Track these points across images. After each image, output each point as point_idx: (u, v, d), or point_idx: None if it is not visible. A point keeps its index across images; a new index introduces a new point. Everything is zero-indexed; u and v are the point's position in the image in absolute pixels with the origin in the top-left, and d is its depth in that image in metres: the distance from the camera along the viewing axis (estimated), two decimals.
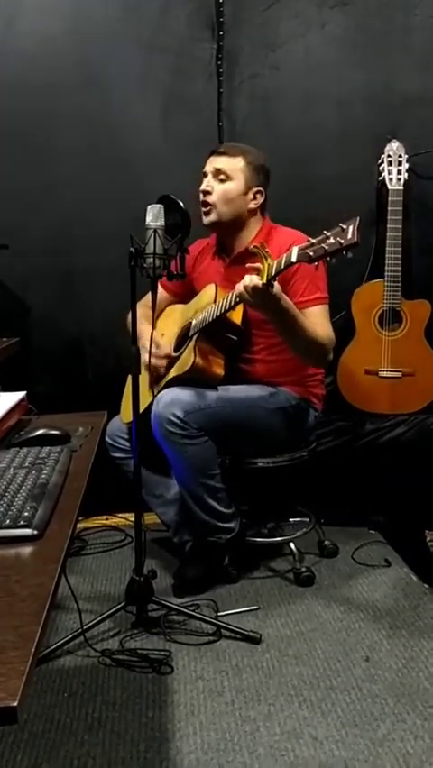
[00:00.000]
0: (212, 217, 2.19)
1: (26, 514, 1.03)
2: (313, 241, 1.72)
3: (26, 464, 1.28)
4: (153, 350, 2.12)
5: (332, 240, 1.68)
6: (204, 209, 2.19)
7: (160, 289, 2.12)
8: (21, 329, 2.62)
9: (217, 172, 2.19)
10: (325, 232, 1.70)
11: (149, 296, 1.91)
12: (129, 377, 2.39)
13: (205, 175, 2.22)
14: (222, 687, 1.76)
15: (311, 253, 1.71)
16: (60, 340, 2.71)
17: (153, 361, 2.12)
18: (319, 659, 1.86)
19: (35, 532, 0.99)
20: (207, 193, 2.19)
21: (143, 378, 2.14)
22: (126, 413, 2.29)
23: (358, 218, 1.68)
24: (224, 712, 1.66)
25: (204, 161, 2.26)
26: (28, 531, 0.99)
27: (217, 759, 1.51)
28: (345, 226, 1.67)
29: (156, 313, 2.17)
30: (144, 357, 2.07)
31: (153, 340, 2.06)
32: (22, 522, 1.00)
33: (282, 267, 1.79)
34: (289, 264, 1.78)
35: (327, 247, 1.69)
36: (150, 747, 1.56)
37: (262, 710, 1.66)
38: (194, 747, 1.55)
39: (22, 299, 2.67)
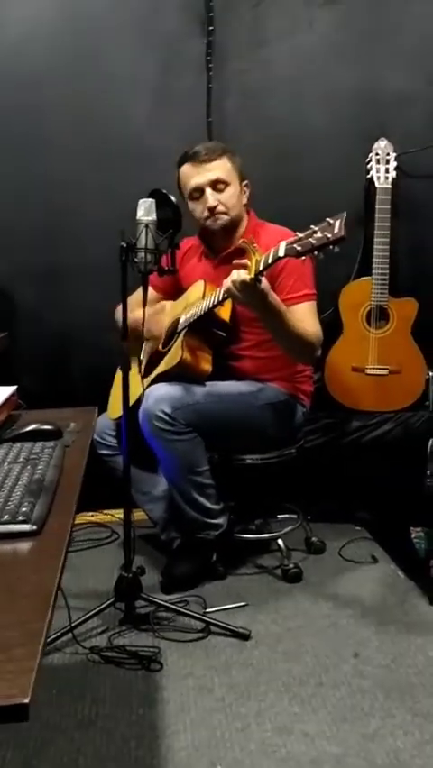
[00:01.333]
0: (223, 222, 2.18)
1: (24, 509, 1.01)
2: (300, 235, 1.72)
3: (20, 459, 1.27)
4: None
5: (319, 234, 1.68)
6: (214, 217, 2.17)
7: (138, 293, 2.10)
8: (6, 323, 2.60)
9: (215, 183, 2.15)
10: (312, 226, 1.70)
11: (138, 292, 1.90)
12: (117, 373, 2.40)
13: (198, 190, 2.17)
14: (212, 684, 1.76)
15: (298, 248, 1.71)
16: (47, 335, 2.69)
17: None
18: (309, 655, 1.86)
19: (34, 527, 0.98)
20: (214, 208, 2.16)
21: (133, 372, 2.12)
22: (114, 409, 2.28)
23: (345, 213, 1.67)
24: (214, 709, 1.66)
25: (181, 168, 2.21)
26: (27, 527, 0.97)
27: (209, 756, 1.51)
28: (331, 221, 1.66)
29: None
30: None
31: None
32: (20, 517, 0.99)
33: (270, 261, 1.79)
34: (276, 258, 1.77)
35: (314, 241, 1.68)
36: (140, 745, 1.56)
37: (253, 707, 1.66)
38: (185, 744, 1.55)
39: (8, 294, 2.64)
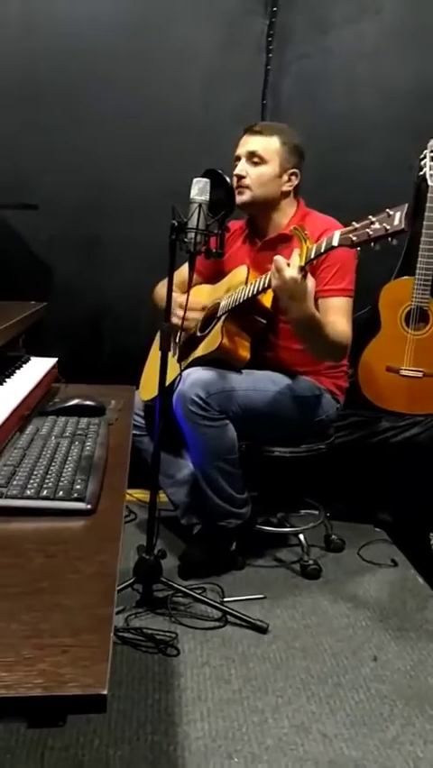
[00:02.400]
0: (245, 197, 2.13)
1: (78, 487, 0.98)
2: (357, 225, 1.67)
3: (67, 434, 1.24)
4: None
5: (377, 225, 1.63)
6: (238, 190, 2.13)
7: (183, 271, 2.07)
8: (43, 293, 2.56)
9: (251, 155, 2.12)
10: (369, 216, 1.65)
11: (180, 271, 1.86)
12: (150, 353, 2.38)
13: (238, 158, 2.15)
14: (229, 674, 1.74)
15: (354, 238, 1.66)
16: (79, 307, 2.65)
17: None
18: (327, 654, 1.84)
19: (89, 506, 0.95)
20: (241, 177, 2.13)
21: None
22: (146, 390, 2.25)
23: (406, 205, 1.63)
24: (231, 700, 1.64)
25: (238, 137, 2.19)
26: (81, 504, 0.95)
27: (226, 747, 1.49)
28: (391, 212, 1.61)
29: (182, 290, 2.14)
30: (176, 322, 2.01)
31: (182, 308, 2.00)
32: (75, 495, 0.96)
33: (322, 250, 1.74)
34: (329, 248, 1.72)
35: (371, 232, 1.63)
36: (157, 729, 1.54)
37: (270, 702, 1.64)
38: (202, 733, 1.53)
39: (44, 262, 2.61)
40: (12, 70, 2.47)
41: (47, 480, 1.00)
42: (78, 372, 1.85)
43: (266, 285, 1.94)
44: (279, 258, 1.79)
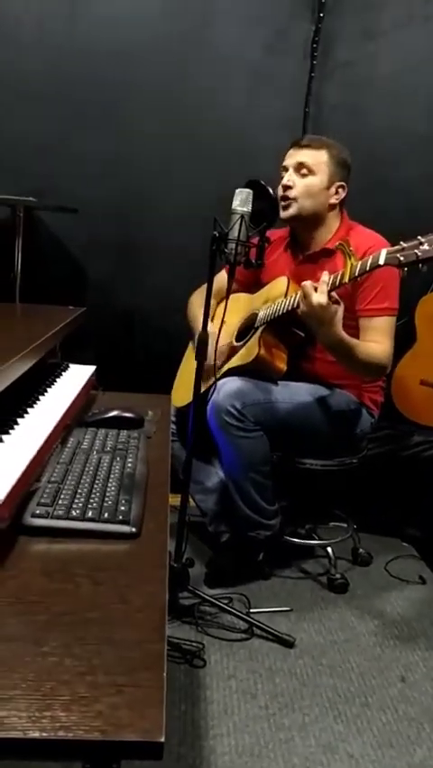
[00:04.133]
0: (291, 211, 2.11)
1: (122, 508, 0.98)
2: (405, 245, 1.65)
3: (108, 448, 1.24)
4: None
5: (426, 246, 1.61)
6: (283, 203, 2.11)
7: (223, 275, 2.06)
8: (75, 295, 2.58)
9: (300, 166, 2.10)
10: (419, 237, 1.63)
11: (217, 278, 1.86)
12: (184, 360, 2.37)
13: (285, 169, 2.13)
14: (255, 689, 1.73)
15: (401, 258, 1.64)
16: (113, 313, 2.66)
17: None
18: (354, 673, 1.83)
19: (134, 530, 0.95)
20: (288, 188, 2.10)
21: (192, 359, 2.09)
22: (179, 396, 2.24)
23: None
24: (258, 716, 1.64)
25: (284, 150, 2.17)
26: (126, 528, 0.95)
27: (252, 764, 1.49)
28: None
29: (217, 299, 2.13)
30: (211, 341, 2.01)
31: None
32: (120, 517, 0.96)
33: (368, 268, 1.73)
34: (375, 266, 1.71)
35: (419, 253, 1.61)
36: (183, 742, 1.54)
37: (297, 719, 1.64)
38: (228, 749, 1.53)
39: (80, 265, 2.62)
40: (55, 77, 2.49)
41: (91, 501, 1.00)
42: (111, 377, 1.86)
43: None
44: (307, 283, 1.79)
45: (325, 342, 1.91)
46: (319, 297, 1.78)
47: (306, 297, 1.80)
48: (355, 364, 1.98)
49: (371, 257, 1.71)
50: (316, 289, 1.79)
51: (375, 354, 1.98)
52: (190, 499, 2.31)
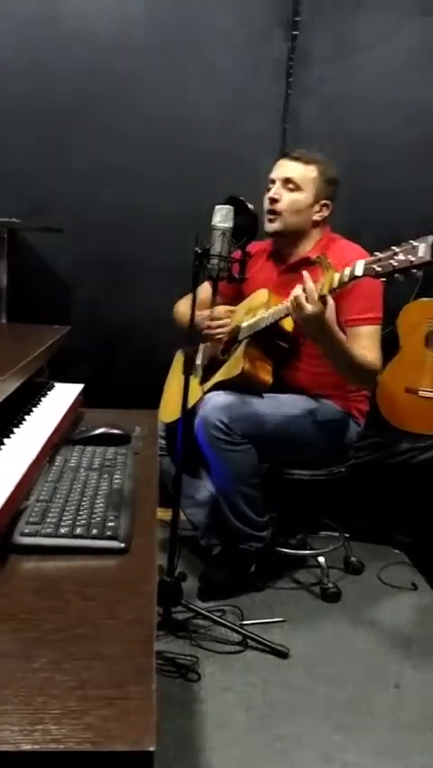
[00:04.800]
0: (276, 226, 2.15)
1: (111, 524, 0.99)
2: (380, 255, 1.68)
3: (95, 465, 1.25)
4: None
5: (401, 256, 1.64)
6: (269, 216, 2.15)
7: (206, 287, 2.08)
8: (61, 314, 2.59)
9: (287, 181, 2.13)
10: (393, 247, 1.65)
11: (201, 288, 1.89)
12: (171, 374, 2.39)
13: (272, 181, 2.17)
14: (251, 701, 1.74)
15: (378, 268, 1.67)
16: (99, 330, 2.67)
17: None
18: (348, 681, 1.84)
19: (123, 545, 0.96)
20: (274, 201, 2.14)
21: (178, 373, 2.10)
22: (167, 412, 2.25)
23: (431, 237, 1.63)
24: (254, 728, 1.65)
25: (269, 164, 2.21)
26: (115, 543, 0.96)
27: None
28: (415, 243, 1.62)
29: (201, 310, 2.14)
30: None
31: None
32: (108, 533, 0.97)
33: (346, 280, 1.76)
34: (353, 277, 1.74)
35: (395, 263, 1.64)
36: (180, 756, 1.54)
37: (293, 730, 1.64)
38: (225, 762, 1.53)
39: (69, 285, 2.64)
40: (35, 92, 2.51)
41: (79, 518, 1.01)
42: (98, 394, 1.87)
43: (288, 311, 1.95)
44: (298, 294, 1.81)
45: (325, 345, 1.92)
46: (312, 308, 1.80)
47: (299, 307, 1.82)
48: (351, 368, 1.99)
49: (348, 268, 1.73)
50: (307, 299, 1.81)
51: (368, 358, 2.01)
52: (181, 514, 2.33)
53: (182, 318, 2.28)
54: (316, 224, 2.18)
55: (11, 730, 0.59)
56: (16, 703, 0.63)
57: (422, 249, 1.60)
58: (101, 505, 1.06)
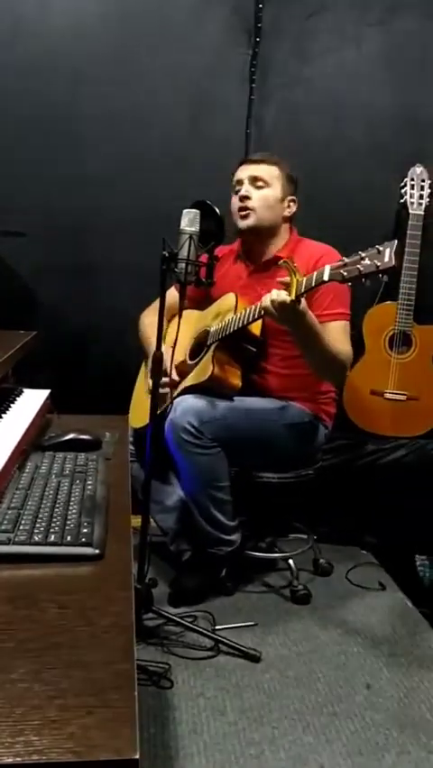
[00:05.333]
0: (250, 221, 2.16)
1: (85, 531, 0.98)
2: (346, 260, 1.70)
3: (66, 472, 1.24)
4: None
5: (367, 261, 1.66)
6: (242, 213, 2.16)
7: (173, 292, 2.08)
8: (26, 320, 2.55)
9: (255, 179, 2.17)
10: (359, 252, 1.68)
11: (168, 294, 1.88)
12: (139, 380, 2.38)
13: (240, 182, 2.20)
14: (224, 706, 1.73)
15: (345, 273, 1.69)
16: (65, 334, 2.64)
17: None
18: (320, 683, 1.84)
19: (97, 551, 0.95)
20: (246, 198, 2.16)
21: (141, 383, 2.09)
22: (135, 417, 2.24)
23: (396, 241, 1.66)
24: (228, 733, 1.64)
25: (232, 168, 2.23)
26: (90, 550, 0.95)
27: None
28: (381, 248, 1.64)
29: (168, 316, 2.14)
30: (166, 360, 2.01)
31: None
32: (82, 539, 0.96)
33: (313, 284, 1.77)
34: (320, 282, 1.75)
35: (361, 268, 1.66)
36: (154, 764, 1.53)
37: (267, 733, 1.64)
38: None
39: (29, 289, 2.60)
40: None
41: (53, 525, 1.00)
42: (66, 400, 1.85)
43: (255, 316, 1.96)
44: (266, 305, 1.83)
45: (300, 334, 1.94)
46: (280, 295, 1.81)
47: (278, 312, 1.84)
48: (325, 357, 2.00)
49: (315, 273, 1.75)
50: (277, 305, 1.82)
51: (340, 348, 2.03)
52: (151, 519, 2.31)
53: (145, 331, 2.27)
54: (285, 221, 2.22)
55: None
56: None
57: (387, 253, 1.63)
58: (74, 511, 1.05)
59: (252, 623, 2.11)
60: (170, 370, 2.06)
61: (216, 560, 2.20)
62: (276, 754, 1.58)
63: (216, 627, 2.05)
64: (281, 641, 2.03)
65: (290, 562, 2.33)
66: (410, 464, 2.61)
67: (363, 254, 1.66)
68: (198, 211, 1.84)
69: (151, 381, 1.89)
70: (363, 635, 2.08)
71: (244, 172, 2.19)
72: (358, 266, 1.66)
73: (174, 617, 2.01)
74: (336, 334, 2.06)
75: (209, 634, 1.98)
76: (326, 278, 1.72)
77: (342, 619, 2.18)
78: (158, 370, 1.86)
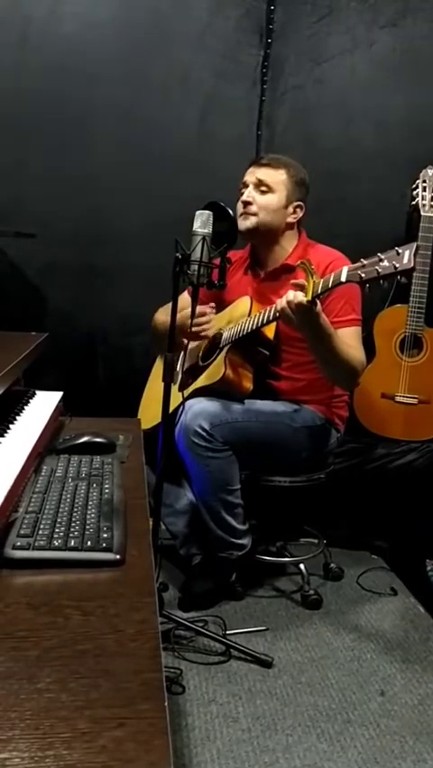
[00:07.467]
0: (250, 223, 2.15)
1: (105, 535, 0.97)
2: (365, 262, 1.68)
3: (83, 475, 1.22)
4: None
5: (386, 263, 1.64)
6: (242, 215, 2.15)
7: (186, 296, 2.07)
8: (36, 321, 2.54)
9: (259, 183, 2.15)
10: (378, 254, 1.66)
11: (180, 298, 1.87)
12: (149, 382, 2.36)
13: (245, 185, 2.18)
14: (237, 712, 1.71)
15: (363, 274, 1.67)
16: (73, 336, 2.63)
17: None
18: (334, 689, 1.82)
19: (118, 557, 0.93)
20: (247, 203, 2.15)
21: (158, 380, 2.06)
22: (144, 419, 2.22)
23: (415, 243, 1.64)
24: (241, 740, 1.62)
25: (243, 170, 2.22)
26: (110, 555, 0.93)
27: None
28: (400, 250, 1.63)
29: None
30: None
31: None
32: (103, 545, 0.94)
33: (330, 285, 1.75)
34: (337, 283, 1.73)
35: (379, 270, 1.65)
36: None
37: (281, 741, 1.62)
38: None
39: (40, 290, 2.59)
40: (7, 96, 2.47)
41: (72, 529, 0.98)
42: (76, 402, 1.83)
43: (270, 318, 1.94)
44: (283, 307, 1.82)
45: (314, 335, 1.90)
46: (297, 296, 1.80)
47: (287, 318, 1.83)
48: (338, 362, 1.97)
49: (333, 274, 1.73)
50: (293, 307, 1.80)
51: (353, 354, 2.01)
52: (161, 523, 2.30)
53: (162, 327, 2.25)
54: (289, 227, 2.19)
55: (21, 758, 0.56)
56: (23, 728, 0.59)
57: (407, 255, 1.61)
58: (93, 516, 1.04)
59: (263, 628, 2.09)
60: (180, 376, 2.04)
61: (226, 564, 2.19)
62: (290, 761, 1.56)
63: (227, 632, 2.04)
64: (293, 646, 2.01)
65: (301, 566, 2.31)
66: (421, 468, 2.58)
67: (382, 255, 1.65)
68: (211, 212, 1.82)
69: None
70: (376, 641, 2.06)
71: (250, 175, 2.17)
72: (376, 267, 1.65)
73: (185, 622, 1.99)
74: (349, 340, 2.04)
75: (221, 639, 1.97)
76: (343, 278, 1.70)
77: (354, 625, 2.15)
78: (170, 374, 1.84)
